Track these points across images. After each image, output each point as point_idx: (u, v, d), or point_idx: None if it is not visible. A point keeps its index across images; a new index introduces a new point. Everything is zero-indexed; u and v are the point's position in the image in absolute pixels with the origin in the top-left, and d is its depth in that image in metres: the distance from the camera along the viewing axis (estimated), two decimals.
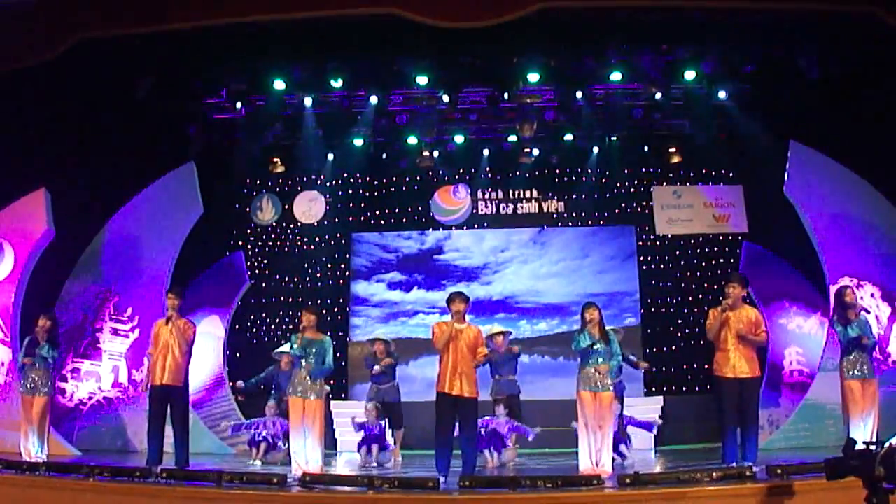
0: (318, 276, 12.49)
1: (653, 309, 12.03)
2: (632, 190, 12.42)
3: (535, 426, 8.24)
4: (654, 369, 11.57)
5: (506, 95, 10.76)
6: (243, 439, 9.19)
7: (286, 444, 8.56)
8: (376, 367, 8.88)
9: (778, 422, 9.89)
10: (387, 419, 8.64)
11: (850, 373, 7.04)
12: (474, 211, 12.61)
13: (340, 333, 12.13)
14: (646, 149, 12.12)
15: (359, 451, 8.39)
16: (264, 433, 8.51)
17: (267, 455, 8.40)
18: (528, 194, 12.63)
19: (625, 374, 8.60)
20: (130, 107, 9.98)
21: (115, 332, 10.15)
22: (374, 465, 8.06)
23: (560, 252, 12.43)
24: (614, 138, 11.91)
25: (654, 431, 9.14)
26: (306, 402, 6.80)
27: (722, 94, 10.68)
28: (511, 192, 12.62)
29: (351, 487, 5.74)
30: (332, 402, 10.33)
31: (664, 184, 12.29)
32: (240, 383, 9.57)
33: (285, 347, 9.21)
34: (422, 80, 10.33)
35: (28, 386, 7.74)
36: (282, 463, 8.31)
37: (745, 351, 6.60)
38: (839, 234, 9.61)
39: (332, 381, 7.18)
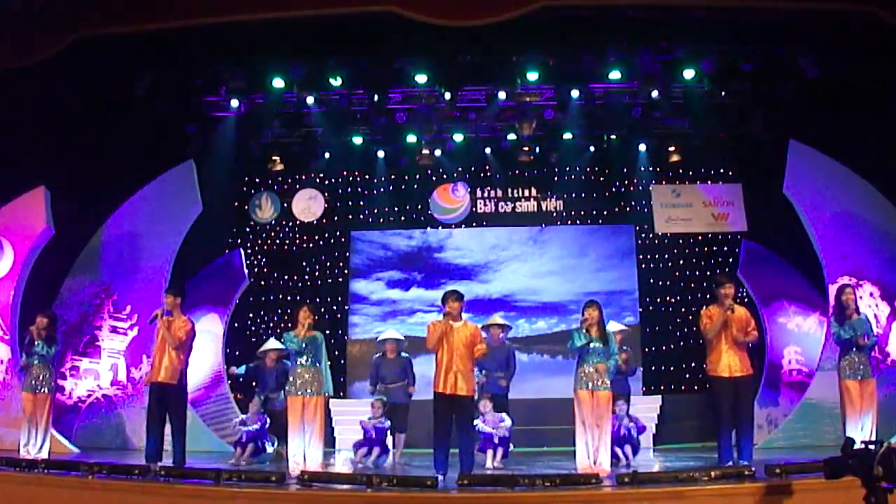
0: (317, 274, 12.49)
1: (651, 308, 12.04)
2: (631, 189, 12.42)
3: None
4: (652, 368, 11.61)
5: (505, 94, 10.76)
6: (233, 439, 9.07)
7: (274, 444, 8.54)
8: (378, 387, 8.60)
9: (777, 421, 9.90)
10: (389, 420, 8.27)
11: (847, 373, 7.05)
12: (473, 209, 12.60)
13: (339, 332, 12.15)
14: (645, 148, 12.12)
15: (355, 449, 8.22)
16: (250, 428, 8.41)
17: (253, 456, 8.32)
18: (527, 193, 12.63)
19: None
20: (130, 105, 9.99)
21: (113, 329, 10.15)
22: (371, 466, 7.82)
23: (559, 250, 12.43)
24: (613, 137, 11.91)
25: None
26: (306, 400, 6.81)
27: (722, 93, 10.67)
28: (510, 190, 12.62)
29: (349, 485, 5.75)
30: (332, 401, 10.33)
31: (663, 182, 12.28)
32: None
33: (269, 344, 9.19)
34: (421, 79, 10.31)
35: (30, 383, 7.75)
36: (273, 462, 8.27)
37: (737, 350, 6.62)
38: (838, 233, 9.62)
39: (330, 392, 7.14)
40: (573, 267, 12.34)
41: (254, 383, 9.82)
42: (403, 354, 8.86)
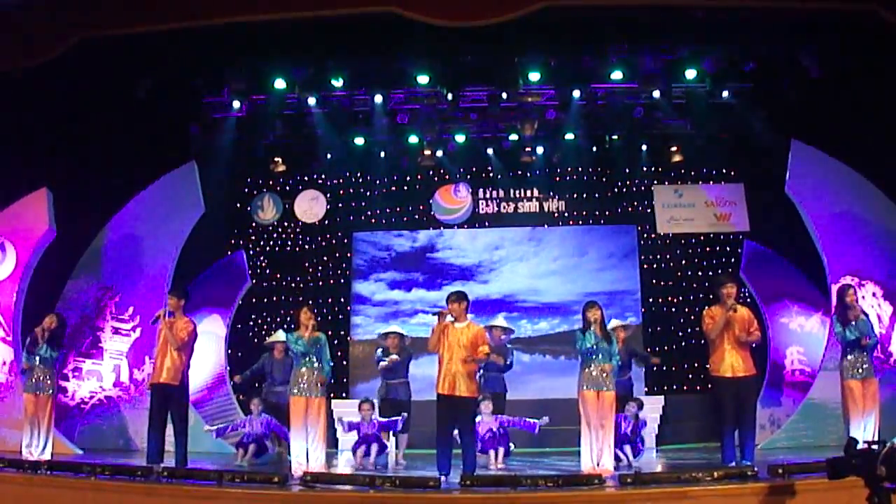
0: (319, 275, 12.50)
1: (654, 308, 12.04)
2: (633, 189, 12.42)
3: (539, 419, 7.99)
4: (655, 368, 11.60)
5: (506, 95, 10.76)
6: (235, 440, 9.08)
7: (276, 445, 8.52)
8: (382, 363, 8.53)
9: (779, 421, 9.89)
10: (383, 417, 8.24)
11: (850, 373, 7.03)
12: (475, 210, 12.61)
13: (342, 332, 12.16)
14: (646, 148, 12.12)
15: (354, 451, 8.16)
16: (251, 431, 8.38)
17: (256, 457, 8.28)
18: (528, 193, 12.63)
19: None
20: (131, 106, 9.98)
21: (116, 331, 10.16)
22: (372, 467, 7.79)
23: (560, 251, 12.42)
24: (615, 137, 11.92)
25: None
26: (309, 401, 6.79)
27: (723, 93, 10.67)
28: (512, 191, 12.62)
29: (352, 486, 5.74)
30: (333, 402, 10.34)
31: (665, 183, 12.29)
32: (237, 377, 9.56)
33: (278, 335, 9.17)
34: (423, 79, 10.33)
35: (32, 385, 7.75)
36: (275, 462, 8.25)
37: (740, 350, 6.61)
38: (841, 233, 9.60)
39: (331, 381, 7.12)
40: (575, 267, 12.33)
41: (256, 384, 9.83)
42: (406, 350, 8.83)
